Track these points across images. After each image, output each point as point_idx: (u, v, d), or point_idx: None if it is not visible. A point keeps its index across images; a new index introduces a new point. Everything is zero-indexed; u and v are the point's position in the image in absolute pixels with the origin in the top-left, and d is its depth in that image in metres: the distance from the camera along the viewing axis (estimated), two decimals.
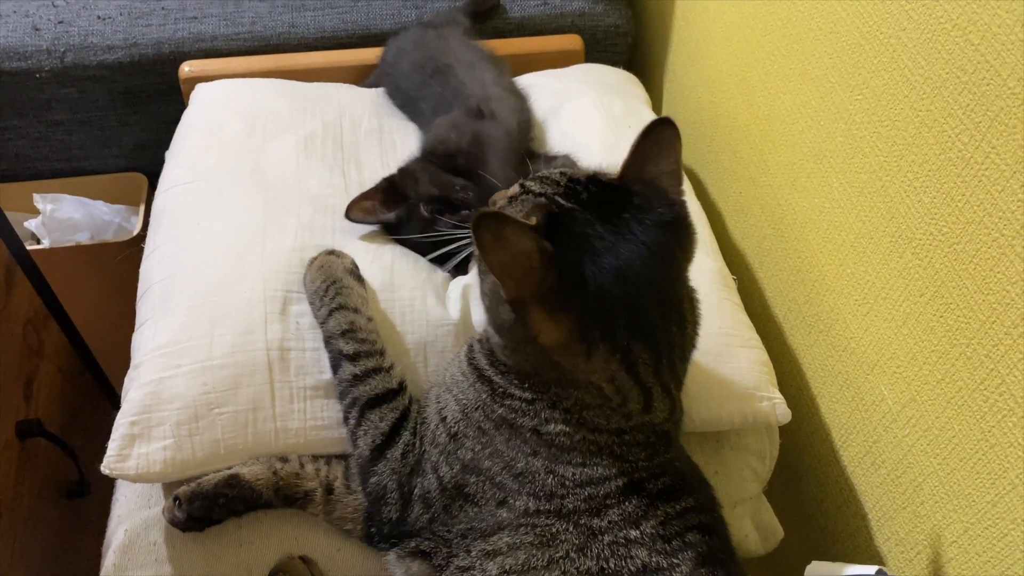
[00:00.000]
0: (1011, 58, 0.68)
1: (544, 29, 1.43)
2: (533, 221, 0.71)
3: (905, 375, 0.87)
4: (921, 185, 0.81)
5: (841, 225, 0.96)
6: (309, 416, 0.85)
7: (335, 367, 0.85)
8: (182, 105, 1.32)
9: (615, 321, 0.71)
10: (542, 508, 0.73)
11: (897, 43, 0.83)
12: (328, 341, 0.86)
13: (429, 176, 0.99)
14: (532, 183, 0.76)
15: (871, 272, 0.91)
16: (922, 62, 0.79)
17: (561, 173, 0.77)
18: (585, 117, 1.13)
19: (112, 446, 0.82)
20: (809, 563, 0.80)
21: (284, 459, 0.84)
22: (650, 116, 1.21)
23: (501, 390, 0.77)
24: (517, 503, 0.74)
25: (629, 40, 1.48)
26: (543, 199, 0.74)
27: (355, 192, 1.02)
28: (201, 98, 1.20)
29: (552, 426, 0.74)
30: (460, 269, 0.97)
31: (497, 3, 1.41)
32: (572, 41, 1.39)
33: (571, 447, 0.74)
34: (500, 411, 0.76)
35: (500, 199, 0.78)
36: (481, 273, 0.77)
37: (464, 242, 0.90)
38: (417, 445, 0.80)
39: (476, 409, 0.77)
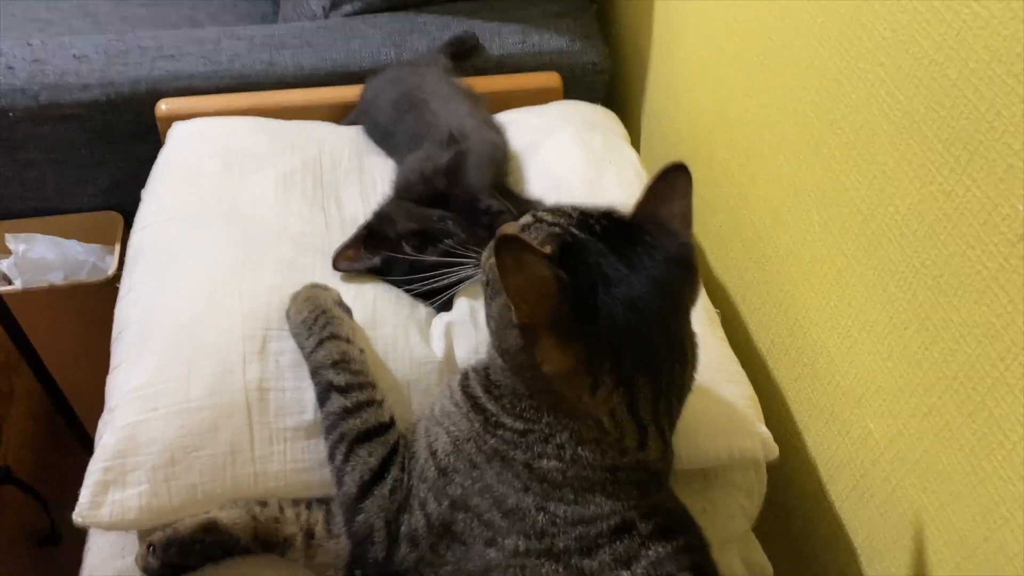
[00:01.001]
0: (988, 93, 0.69)
1: (523, 67, 1.44)
2: (548, 250, 0.71)
3: (892, 409, 0.86)
4: (903, 219, 0.81)
5: (823, 259, 0.97)
6: (289, 458, 0.83)
7: (323, 400, 0.83)
8: (159, 144, 1.31)
9: (623, 353, 0.70)
10: (532, 548, 0.71)
11: (875, 78, 0.84)
12: (316, 372, 0.84)
13: (405, 213, 0.99)
14: (545, 213, 0.77)
15: (854, 306, 0.91)
16: (900, 97, 0.80)
17: (573, 206, 0.78)
18: (565, 153, 1.13)
19: (85, 493, 0.79)
20: None
21: (263, 503, 0.82)
22: (629, 152, 1.21)
23: (495, 419, 0.76)
24: (506, 542, 0.72)
25: (607, 77, 1.50)
26: (557, 228, 0.74)
27: (336, 230, 1.02)
28: (178, 136, 1.19)
29: (545, 461, 0.73)
30: (443, 306, 0.96)
31: (476, 42, 1.41)
32: (551, 79, 1.40)
33: (563, 483, 0.73)
34: (492, 442, 0.75)
35: (510, 228, 0.77)
36: (489, 296, 0.77)
37: (453, 272, 0.89)
38: (405, 481, 0.78)
39: (468, 441, 0.76)
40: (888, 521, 0.88)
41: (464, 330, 0.92)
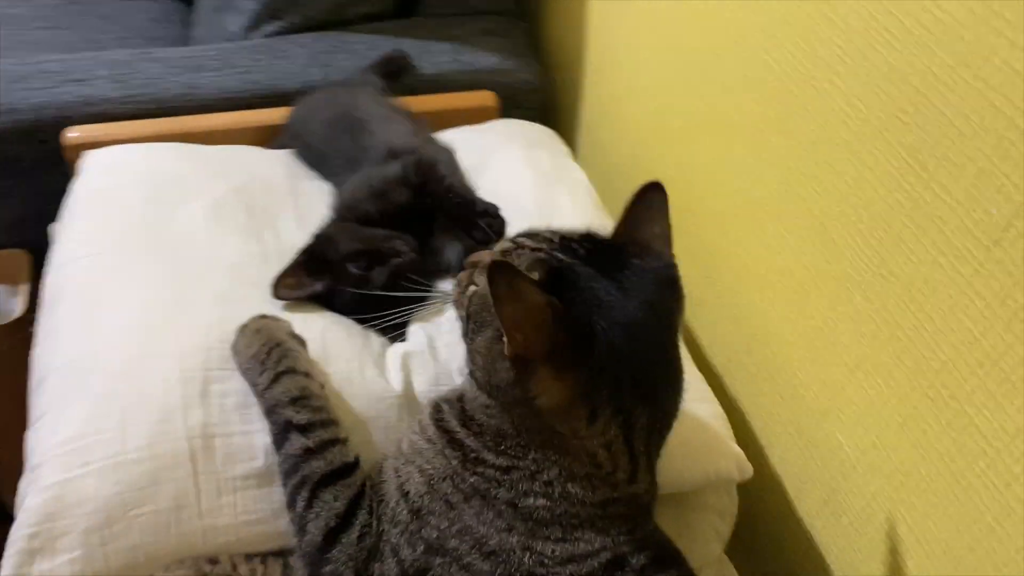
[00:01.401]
0: (954, 98, 0.69)
1: (456, 86, 1.40)
2: (536, 276, 0.67)
3: (863, 421, 0.85)
4: (867, 227, 0.81)
5: (781, 271, 0.95)
6: (240, 510, 0.76)
7: (280, 441, 0.75)
8: (68, 175, 1.22)
9: (622, 382, 0.67)
10: None
11: (831, 87, 0.83)
12: (272, 411, 0.77)
13: (349, 234, 0.93)
14: (524, 238, 0.73)
15: (817, 318, 0.90)
16: (859, 106, 0.79)
17: (551, 229, 0.74)
18: (515, 173, 1.09)
19: (6, 564, 0.70)
20: None
21: (214, 561, 0.75)
22: (578, 171, 1.18)
23: (474, 456, 0.71)
24: None
25: (541, 96, 1.47)
26: (541, 253, 0.70)
27: (274, 260, 0.95)
28: (93, 165, 1.10)
29: (531, 499, 0.68)
30: (398, 335, 0.91)
31: (408, 62, 1.37)
32: (486, 97, 1.36)
33: (551, 521, 0.68)
34: (472, 480, 0.70)
35: (484, 256, 0.73)
36: (472, 329, 0.72)
37: (410, 298, 0.84)
38: (375, 525, 0.72)
39: (444, 479, 0.71)
40: (863, 535, 0.87)
41: (422, 360, 0.87)
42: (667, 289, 0.73)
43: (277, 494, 0.76)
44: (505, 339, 0.66)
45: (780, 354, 0.97)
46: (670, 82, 1.15)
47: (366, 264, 0.88)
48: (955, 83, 0.68)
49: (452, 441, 0.72)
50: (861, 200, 0.81)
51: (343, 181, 1.04)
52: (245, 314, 0.87)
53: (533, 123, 1.30)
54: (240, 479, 0.76)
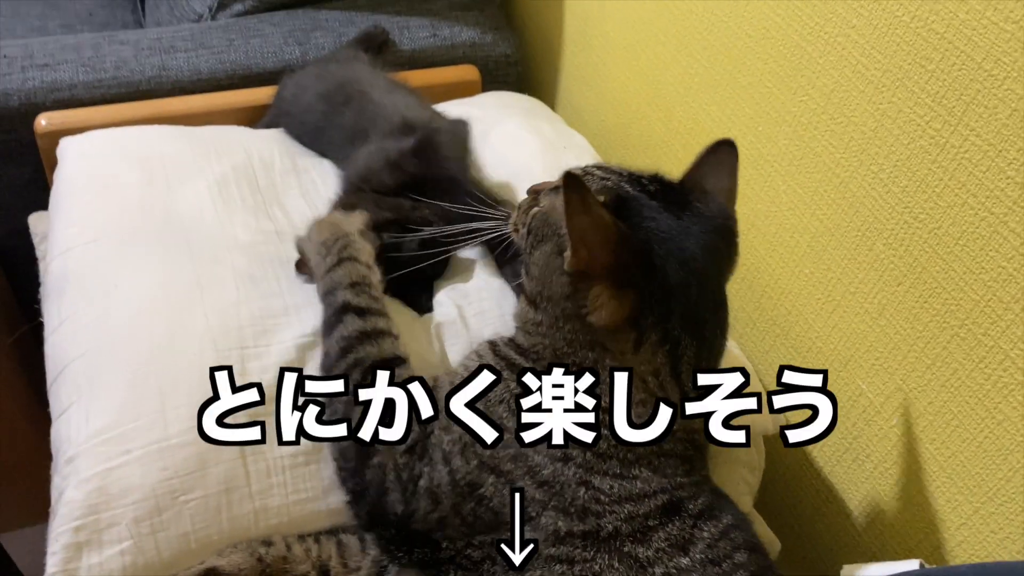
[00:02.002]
0: (984, 42, 0.70)
1: (436, 61, 1.38)
2: (603, 199, 0.69)
3: (886, 366, 0.87)
4: (888, 176, 0.83)
5: (793, 227, 0.97)
6: (291, 489, 0.74)
7: (333, 323, 0.76)
8: (37, 164, 1.16)
9: (672, 312, 0.69)
10: (576, 529, 0.66)
11: (846, 40, 0.84)
12: (330, 293, 0.78)
13: (373, 203, 0.91)
14: (595, 168, 0.76)
15: (835, 269, 0.92)
16: (878, 56, 0.81)
17: (621, 167, 0.77)
18: (520, 140, 1.09)
19: (53, 560, 0.67)
20: (842, 567, 0.78)
21: (267, 542, 0.73)
22: (579, 137, 1.18)
23: None
24: (543, 520, 0.67)
25: (519, 69, 1.46)
26: (609, 183, 0.73)
27: (288, 236, 0.93)
28: (76, 151, 1.05)
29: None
30: (422, 304, 0.89)
31: (387, 37, 1.35)
32: (468, 72, 1.35)
33: (608, 454, 0.69)
34: None
35: (546, 184, 0.75)
36: (531, 245, 0.75)
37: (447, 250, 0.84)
38: (416, 423, 0.72)
39: (500, 403, 0.71)
40: (889, 477, 0.89)
41: (454, 330, 0.86)
42: (725, 239, 0.75)
43: (326, 471, 0.75)
44: (568, 252, 0.68)
45: (794, 309, 0.99)
46: (662, 46, 1.16)
47: (397, 233, 0.87)
48: (985, 28, 0.70)
49: (511, 365, 0.73)
50: (882, 149, 0.83)
51: (346, 155, 1.02)
52: (271, 291, 0.85)
53: (522, 94, 1.29)
54: (288, 457, 0.74)
